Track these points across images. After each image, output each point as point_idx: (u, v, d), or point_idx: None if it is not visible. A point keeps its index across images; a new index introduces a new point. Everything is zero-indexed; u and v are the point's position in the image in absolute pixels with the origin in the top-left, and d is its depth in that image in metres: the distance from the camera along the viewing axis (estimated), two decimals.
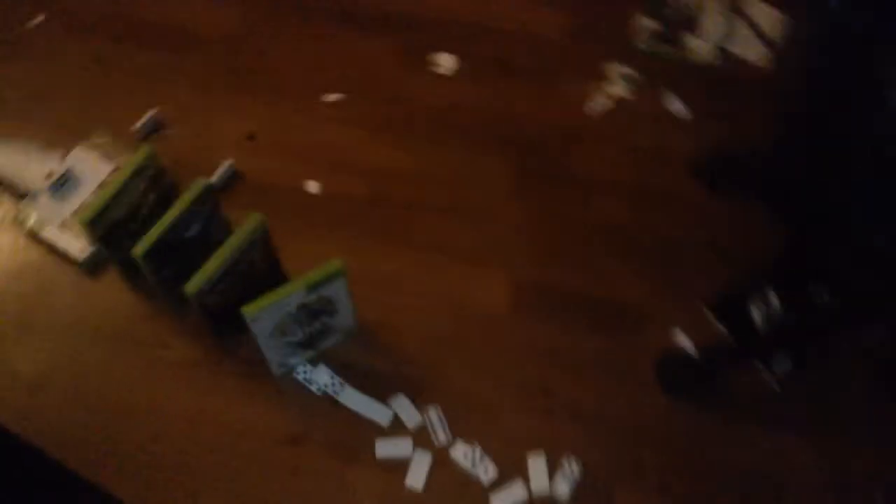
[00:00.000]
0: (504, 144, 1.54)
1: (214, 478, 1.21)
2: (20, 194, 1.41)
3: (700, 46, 1.63)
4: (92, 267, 1.36)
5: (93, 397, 1.27)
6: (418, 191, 1.48)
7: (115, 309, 1.34)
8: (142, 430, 1.25)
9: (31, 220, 1.38)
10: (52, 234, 1.37)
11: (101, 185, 1.41)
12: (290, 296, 1.17)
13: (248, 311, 1.15)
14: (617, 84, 1.59)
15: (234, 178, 1.46)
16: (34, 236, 1.38)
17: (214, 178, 1.43)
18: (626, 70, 1.61)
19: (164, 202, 1.30)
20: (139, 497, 1.20)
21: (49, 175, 1.40)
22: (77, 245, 1.35)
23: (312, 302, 1.21)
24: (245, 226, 1.22)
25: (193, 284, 1.18)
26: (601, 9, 1.72)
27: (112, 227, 1.24)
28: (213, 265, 1.19)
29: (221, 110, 1.55)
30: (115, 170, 1.42)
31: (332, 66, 1.62)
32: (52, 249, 1.38)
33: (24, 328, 1.32)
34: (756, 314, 1.35)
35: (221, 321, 1.27)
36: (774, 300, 1.35)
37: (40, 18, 1.67)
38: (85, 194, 1.40)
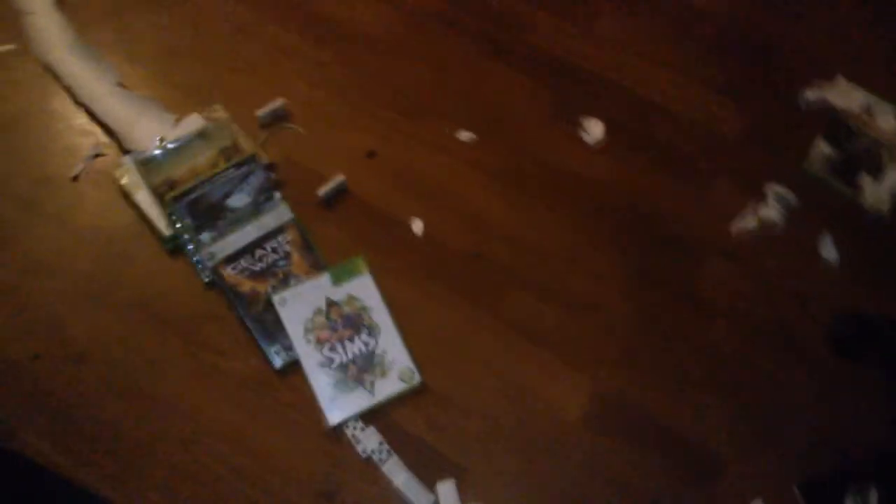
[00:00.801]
0: (629, 235, 1.41)
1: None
2: (125, 150, 1.36)
3: (874, 191, 1.45)
4: (174, 246, 1.30)
5: (133, 384, 1.22)
6: (522, 260, 1.36)
7: (183, 298, 1.28)
8: (173, 432, 1.19)
9: (126, 179, 1.33)
10: (143, 199, 1.31)
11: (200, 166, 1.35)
12: (315, 280, 1.25)
13: (276, 294, 1.24)
14: (772, 205, 1.44)
15: (342, 193, 1.38)
16: (126, 197, 1.33)
17: (322, 192, 1.35)
18: (787, 193, 1.45)
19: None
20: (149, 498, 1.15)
21: (160, 140, 1.34)
22: (165, 218, 1.29)
23: (343, 302, 1.24)
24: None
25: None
26: (783, 117, 1.56)
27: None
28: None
29: (348, 118, 1.46)
30: (223, 151, 1.35)
31: (476, 101, 1.51)
32: (142, 216, 1.32)
33: (89, 293, 1.27)
34: None
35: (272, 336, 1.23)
36: (874, 499, 1.21)
37: None
38: (184, 169, 1.34)
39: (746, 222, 1.43)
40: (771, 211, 1.43)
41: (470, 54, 1.56)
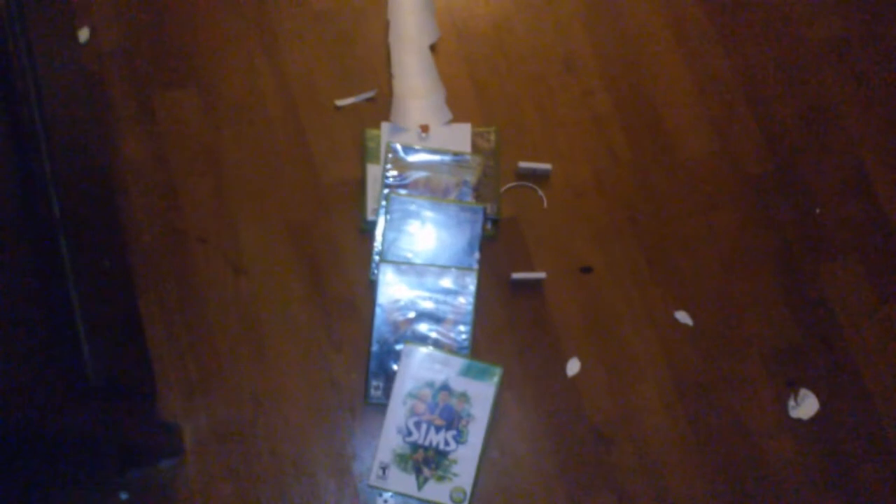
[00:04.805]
0: None
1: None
2: (391, 116, 1.34)
3: None
4: (365, 229, 1.31)
5: (255, 314, 1.28)
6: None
7: (342, 275, 1.30)
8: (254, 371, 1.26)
9: (372, 144, 1.33)
10: (372, 173, 1.32)
11: (434, 182, 1.31)
12: (448, 357, 1.23)
13: (410, 343, 1.24)
14: None
15: (533, 288, 1.31)
16: (362, 157, 1.33)
17: (516, 276, 1.29)
18: None
19: None
20: None
21: (423, 128, 1.31)
22: (376, 204, 1.29)
23: (456, 394, 1.22)
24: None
25: None
26: None
27: None
28: None
29: (594, 226, 1.35)
30: (463, 183, 1.31)
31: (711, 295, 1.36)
32: (361, 182, 1.32)
33: (272, 210, 1.32)
34: None
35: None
36: None
37: None
38: (420, 176, 1.31)
39: None
40: None
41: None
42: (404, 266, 1.27)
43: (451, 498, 1.21)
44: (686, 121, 1.38)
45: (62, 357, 0.99)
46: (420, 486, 1.21)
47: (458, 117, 1.35)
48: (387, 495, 1.21)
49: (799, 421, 1.28)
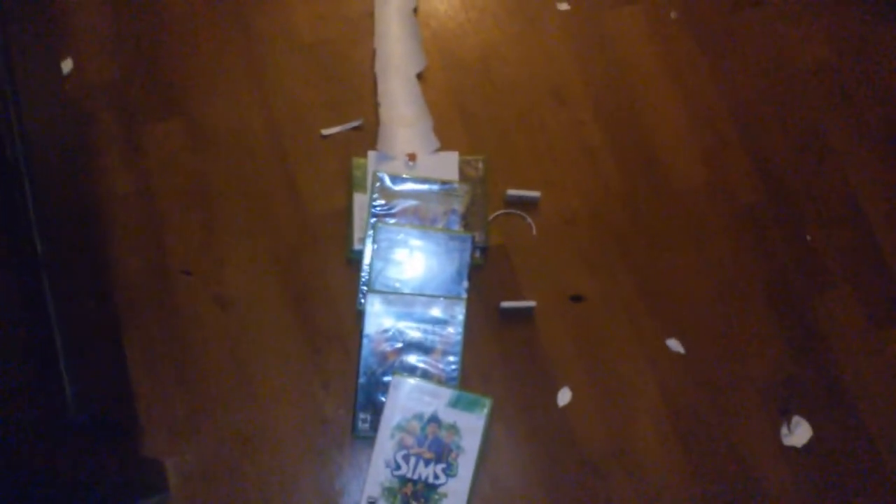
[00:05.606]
0: None
1: None
2: (377, 144, 1.33)
3: None
4: (351, 257, 1.29)
5: (241, 344, 1.26)
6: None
7: (330, 306, 1.28)
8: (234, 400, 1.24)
9: (358, 173, 1.31)
10: (358, 201, 1.30)
11: (422, 210, 1.30)
12: (436, 388, 1.21)
13: (398, 374, 1.22)
14: None
15: (523, 317, 1.29)
16: (348, 185, 1.32)
17: (506, 305, 1.27)
18: None
19: None
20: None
21: (410, 157, 1.30)
22: (363, 233, 1.28)
23: (445, 426, 1.20)
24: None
25: None
26: None
27: None
28: None
29: (585, 254, 1.35)
30: (451, 212, 1.30)
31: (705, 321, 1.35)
32: (348, 210, 1.31)
33: (258, 242, 1.30)
34: None
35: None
36: None
37: None
38: (408, 205, 1.30)
39: None
40: None
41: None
42: (392, 296, 1.25)
43: None
44: (677, 150, 1.38)
45: (45, 396, 0.97)
46: None
47: (445, 146, 1.34)
48: None
49: (793, 449, 1.26)
